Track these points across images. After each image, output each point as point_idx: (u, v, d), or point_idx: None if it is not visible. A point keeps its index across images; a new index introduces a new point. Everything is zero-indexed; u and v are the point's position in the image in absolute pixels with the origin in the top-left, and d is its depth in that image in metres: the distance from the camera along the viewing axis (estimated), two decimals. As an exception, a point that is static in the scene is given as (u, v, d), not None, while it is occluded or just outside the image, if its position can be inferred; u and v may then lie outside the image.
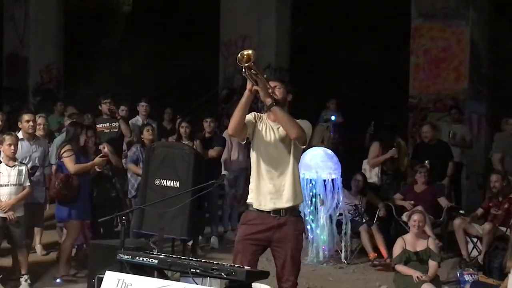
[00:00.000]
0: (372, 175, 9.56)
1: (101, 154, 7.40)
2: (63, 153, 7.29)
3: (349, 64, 14.71)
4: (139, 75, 15.68)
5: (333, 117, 12.41)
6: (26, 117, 7.54)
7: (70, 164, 7.23)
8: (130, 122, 9.63)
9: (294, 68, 13.86)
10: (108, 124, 9.29)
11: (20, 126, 7.65)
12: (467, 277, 7.44)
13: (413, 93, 12.23)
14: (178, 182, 6.47)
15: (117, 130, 9.32)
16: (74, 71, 15.96)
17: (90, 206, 7.49)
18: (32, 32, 15.85)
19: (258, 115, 5.19)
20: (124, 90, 10.66)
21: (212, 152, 8.91)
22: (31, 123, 7.51)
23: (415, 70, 12.20)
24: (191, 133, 8.74)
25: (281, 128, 5.09)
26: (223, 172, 8.85)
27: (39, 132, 8.19)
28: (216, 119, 9.53)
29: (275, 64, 13.58)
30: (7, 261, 7.45)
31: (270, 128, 5.14)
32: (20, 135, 7.47)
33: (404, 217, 8.77)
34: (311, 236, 8.42)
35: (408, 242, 7.31)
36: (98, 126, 9.01)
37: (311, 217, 8.39)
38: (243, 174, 9.72)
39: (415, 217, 7.35)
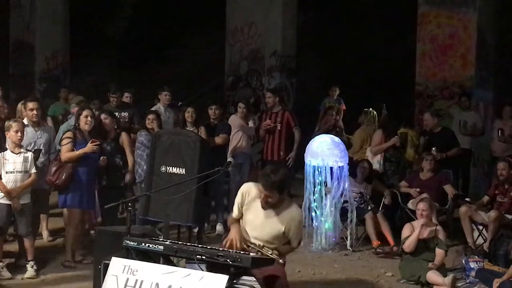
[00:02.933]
0: (374, 162, 9.56)
1: (91, 140, 7.34)
2: (62, 140, 7.35)
3: (355, 52, 14.66)
4: (144, 62, 15.68)
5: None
6: (30, 105, 7.49)
7: (62, 152, 7.30)
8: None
9: (300, 55, 13.83)
10: (117, 113, 9.23)
11: (24, 114, 7.63)
12: (472, 265, 7.44)
13: (419, 80, 12.18)
14: (184, 169, 6.47)
15: (127, 120, 9.31)
16: (80, 58, 15.95)
17: (91, 194, 7.54)
18: (38, 19, 15.84)
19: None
20: (130, 78, 10.63)
21: (218, 140, 8.91)
22: (35, 111, 7.46)
23: (422, 58, 12.13)
24: (196, 120, 8.74)
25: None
26: (229, 159, 8.88)
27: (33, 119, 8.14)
28: (221, 106, 9.49)
29: (281, 51, 13.54)
30: (13, 247, 7.48)
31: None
32: (25, 121, 7.47)
33: (410, 205, 8.78)
34: (316, 224, 8.43)
35: (416, 228, 7.31)
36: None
37: (315, 204, 8.40)
38: (247, 160, 9.74)
39: (421, 205, 7.35)
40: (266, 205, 5.34)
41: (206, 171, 5.81)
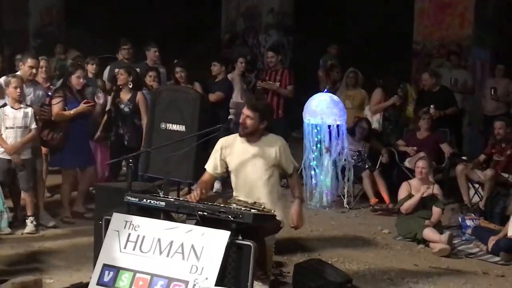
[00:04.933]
0: (373, 121, 9.58)
1: (85, 101, 7.35)
2: (52, 98, 7.33)
3: (353, 9, 14.53)
4: (141, 18, 15.49)
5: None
6: (30, 62, 7.25)
7: (54, 111, 7.29)
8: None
9: (297, 12, 13.70)
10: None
11: (21, 67, 7.42)
12: (468, 222, 7.54)
13: (417, 39, 12.14)
14: (183, 126, 6.45)
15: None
16: (75, 13, 15.74)
17: (87, 151, 7.58)
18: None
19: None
20: (125, 34, 10.48)
21: (212, 97, 8.83)
22: (33, 70, 7.27)
23: (420, 16, 12.09)
24: (187, 77, 8.66)
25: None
26: (230, 116, 8.87)
27: (42, 75, 8.11)
28: (221, 63, 9.38)
29: (278, 9, 13.43)
30: (13, 203, 7.49)
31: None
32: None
33: (407, 163, 8.84)
34: (315, 182, 8.48)
35: (413, 187, 7.39)
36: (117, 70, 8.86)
37: (315, 162, 8.44)
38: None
39: (420, 163, 7.41)
40: (243, 130, 5.24)
41: (206, 128, 5.80)
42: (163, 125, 6.58)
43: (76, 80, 7.42)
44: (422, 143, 8.93)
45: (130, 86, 7.91)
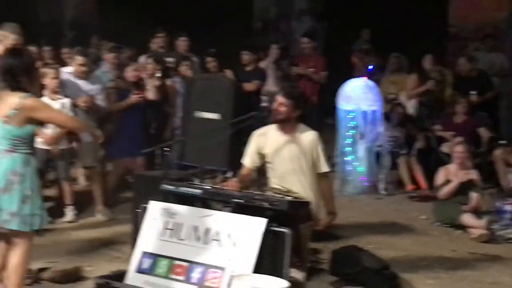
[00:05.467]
0: (409, 106, 9.48)
1: (135, 92, 7.45)
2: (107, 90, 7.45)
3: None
4: (173, 7, 15.51)
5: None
6: (79, 60, 7.30)
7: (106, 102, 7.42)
8: None
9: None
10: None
11: (71, 64, 7.54)
12: (507, 207, 7.40)
13: (452, 22, 11.96)
14: (218, 114, 6.48)
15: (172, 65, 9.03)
16: (109, 4, 15.84)
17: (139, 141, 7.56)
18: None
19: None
20: (158, 23, 10.52)
21: (250, 86, 8.87)
22: (83, 67, 7.30)
23: (455, -1, 11.92)
24: (219, 66, 8.68)
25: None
26: (264, 103, 8.86)
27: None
28: (253, 51, 9.39)
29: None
30: (52, 193, 7.62)
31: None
32: (69, 69, 7.41)
33: (444, 148, 8.74)
34: (349, 168, 8.44)
35: (451, 172, 7.31)
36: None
37: (350, 148, 8.39)
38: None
39: (458, 148, 7.32)
40: (276, 117, 5.25)
41: (240, 116, 5.82)
42: (197, 114, 6.62)
43: (130, 72, 7.51)
44: (459, 128, 8.81)
45: (159, 75, 7.96)
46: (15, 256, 4.42)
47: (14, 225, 4.31)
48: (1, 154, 4.32)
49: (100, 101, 7.32)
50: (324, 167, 5.36)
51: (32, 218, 4.35)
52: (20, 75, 4.36)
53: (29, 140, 4.41)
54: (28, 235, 4.42)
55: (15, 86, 4.35)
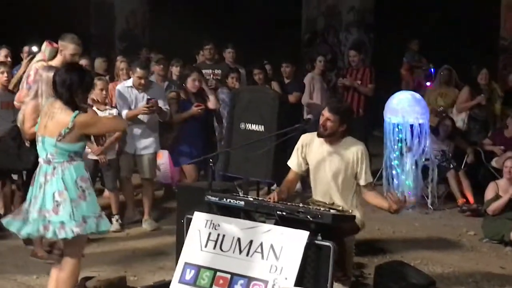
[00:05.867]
0: (458, 120, 9.33)
1: (196, 104, 7.52)
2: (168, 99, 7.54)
3: (436, 4, 14.19)
4: (222, 19, 15.64)
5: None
6: (139, 72, 7.26)
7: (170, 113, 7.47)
8: None
9: (378, 9, 13.49)
10: (210, 70, 9.24)
11: (130, 75, 7.61)
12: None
13: (504, 35, 11.74)
14: (262, 125, 6.47)
15: (219, 77, 9.16)
16: (159, 17, 16.06)
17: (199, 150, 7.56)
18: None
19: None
20: (207, 35, 10.61)
21: (291, 98, 8.85)
22: (142, 80, 7.27)
23: (507, 11, 11.68)
24: (265, 78, 8.69)
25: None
26: (308, 116, 8.84)
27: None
28: (292, 63, 9.36)
29: (358, 6, 13.29)
30: (100, 202, 7.69)
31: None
32: (129, 82, 7.44)
33: (494, 163, 8.56)
34: (397, 182, 8.32)
35: (501, 187, 7.16)
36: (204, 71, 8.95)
37: (396, 162, 8.28)
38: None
39: (508, 163, 7.16)
40: (322, 132, 5.21)
41: (284, 128, 5.80)
42: (242, 125, 6.62)
43: (191, 83, 7.61)
44: (510, 142, 8.62)
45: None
46: (64, 270, 4.55)
47: (103, 226, 4.58)
48: (62, 166, 4.46)
49: (163, 106, 7.34)
50: (367, 179, 5.27)
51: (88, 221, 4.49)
52: (77, 92, 4.48)
53: (82, 152, 4.59)
54: (79, 244, 4.56)
55: (70, 101, 4.46)
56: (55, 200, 4.41)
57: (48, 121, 4.49)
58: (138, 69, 7.28)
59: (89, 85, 4.69)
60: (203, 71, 8.90)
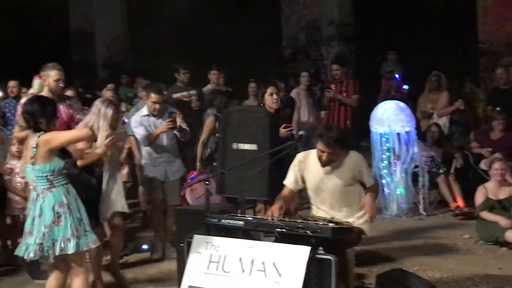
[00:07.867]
0: (440, 125, 9.43)
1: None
2: None
3: (413, 11, 14.35)
4: (206, 41, 15.70)
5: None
6: (153, 97, 7.10)
7: None
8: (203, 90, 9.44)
9: (357, 21, 13.63)
10: (186, 92, 9.19)
11: (145, 101, 7.44)
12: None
13: (482, 38, 11.91)
14: (255, 144, 6.53)
15: (196, 98, 9.10)
16: (141, 42, 16.12)
17: None
18: (95, 7, 16.14)
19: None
20: (190, 58, 10.68)
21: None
22: (156, 105, 7.12)
23: (483, 14, 11.87)
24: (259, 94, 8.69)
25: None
26: (300, 132, 8.88)
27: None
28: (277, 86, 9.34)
29: (338, 19, 13.42)
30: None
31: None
32: (144, 110, 7.30)
33: (483, 165, 8.67)
34: (387, 191, 8.41)
35: (490, 190, 7.25)
36: (175, 95, 8.99)
37: (385, 171, 8.37)
38: (314, 133, 9.70)
39: (497, 165, 7.27)
40: (326, 163, 5.30)
41: (277, 145, 5.86)
42: (235, 145, 6.67)
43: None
44: (497, 144, 8.74)
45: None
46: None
47: (71, 249, 4.75)
48: (43, 194, 4.79)
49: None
50: (370, 182, 5.40)
51: (86, 237, 4.85)
52: (40, 120, 4.83)
53: (61, 172, 4.85)
54: (84, 256, 4.92)
55: (36, 128, 4.81)
56: (34, 224, 4.83)
57: (26, 151, 4.90)
58: (152, 94, 7.15)
59: (52, 113, 4.94)
60: (178, 94, 8.97)
